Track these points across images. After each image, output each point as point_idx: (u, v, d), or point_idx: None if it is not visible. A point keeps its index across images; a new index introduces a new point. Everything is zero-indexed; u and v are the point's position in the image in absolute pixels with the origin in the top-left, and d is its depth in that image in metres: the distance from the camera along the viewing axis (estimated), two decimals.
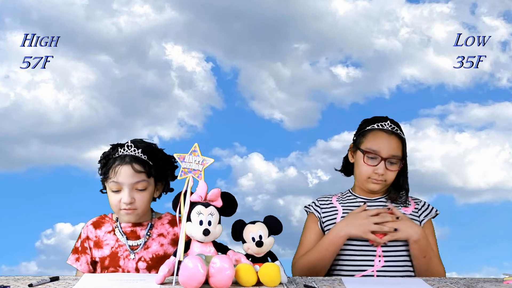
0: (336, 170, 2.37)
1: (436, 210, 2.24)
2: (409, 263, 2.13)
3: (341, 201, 2.27)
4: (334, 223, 2.19)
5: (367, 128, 2.21)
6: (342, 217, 2.20)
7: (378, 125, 2.19)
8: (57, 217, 4.49)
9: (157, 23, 4.90)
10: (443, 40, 4.74)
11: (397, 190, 2.22)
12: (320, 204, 2.28)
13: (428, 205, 2.25)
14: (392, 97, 4.89)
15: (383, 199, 2.23)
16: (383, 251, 2.10)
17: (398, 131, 2.19)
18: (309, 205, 2.32)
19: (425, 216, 2.21)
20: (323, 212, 2.25)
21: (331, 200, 2.29)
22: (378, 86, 4.98)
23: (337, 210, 2.24)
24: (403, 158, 2.18)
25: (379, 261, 2.10)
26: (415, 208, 2.23)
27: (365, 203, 2.20)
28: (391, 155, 2.14)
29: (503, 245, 4.14)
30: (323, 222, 2.24)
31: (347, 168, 2.32)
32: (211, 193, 1.72)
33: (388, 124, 2.19)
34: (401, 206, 2.21)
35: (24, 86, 4.65)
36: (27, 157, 4.76)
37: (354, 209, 2.17)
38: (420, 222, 2.20)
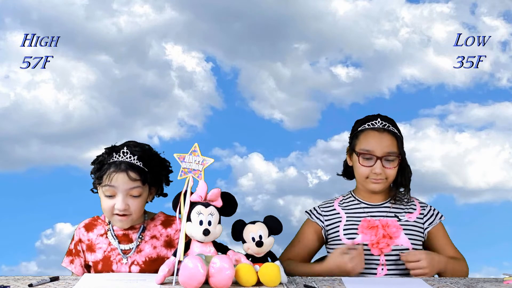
0: (338, 174, 2.34)
1: (441, 216, 2.22)
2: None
3: (344, 206, 2.24)
4: (338, 230, 2.17)
5: (359, 129, 2.20)
6: (345, 224, 2.17)
7: (368, 125, 2.18)
8: (57, 217, 4.50)
9: (157, 23, 4.90)
10: (443, 40, 4.74)
11: (397, 187, 2.20)
12: (322, 212, 2.24)
13: (434, 211, 2.22)
14: (392, 97, 4.89)
15: (387, 204, 2.21)
16: (387, 260, 2.09)
17: (390, 128, 2.17)
18: (311, 211, 2.28)
19: (429, 224, 2.19)
20: (326, 220, 2.23)
21: (333, 206, 2.26)
22: (378, 86, 4.98)
23: (340, 217, 2.21)
24: (400, 154, 2.16)
25: (382, 269, 2.09)
26: (420, 214, 2.20)
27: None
28: (385, 152, 2.13)
29: (503, 245, 4.14)
30: (327, 230, 2.21)
31: (348, 171, 2.30)
32: (211, 193, 1.72)
33: (378, 122, 2.17)
34: (405, 213, 2.18)
35: (24, 86, 4.65)
36: (27, 157, 4.76)
37: (357, 213, 2.17)
38: (424, 230, 2.18)
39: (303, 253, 2.23)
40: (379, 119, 2.17)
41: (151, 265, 2.00)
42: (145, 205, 2.04)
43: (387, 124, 2.17)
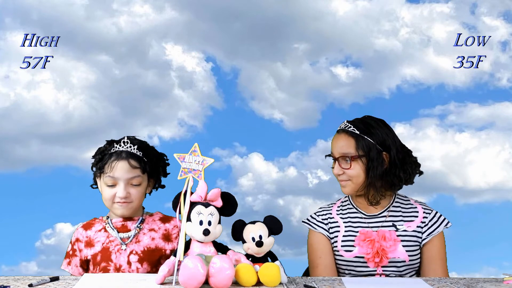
0: None
1: (447, 223, 2.13)
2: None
3: (341, 215, 2.18)
4: (336, 241, 2.14)
5: None
6: (343, 235, 2.13)
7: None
8: (57, 217, 4.51)
9: (157, 23, 4.91)
10: (443, 40, 4.74)
11: (391, 189, 2.13)
12: (323, 220, 2.19)
13: (437, 219, 2.14)
14: (392, 97, 4.89)
15: (384, 214, 2.14)
16: (384, 271, 2.07)
17: (351, 128, 2.10)
18: (309, 220, 2.22)
19: (428, 235, 2.11)
20: (328, 229, 2.18)
21: (331, 214, 2.20)
22: (378, 86, 4.98)
23: (339, 226, 2.16)
24: (364, 155, 2.06)
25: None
26: (422, 222, 2.13)
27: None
28: (339, 153, 2.10)
29: (503, 245, 4.14)
30: (330, 239, 2.17)
31: None
32: (211, 193, 1.72)
33: (343, 124, 2.14)
34: (405, 221, 2.12)
35: (24, 86, 4.66)
36: (27, 157, 4.77)
37: (354, 223, 2.14)
38: (422, 240, 2.12)
39: (332, 267, 2.15)
40: (345, 121, 2.14)
41: (150, 255, 2.07)
42: (144, 195, 2.12)
43: (349, 125, 2.11)
